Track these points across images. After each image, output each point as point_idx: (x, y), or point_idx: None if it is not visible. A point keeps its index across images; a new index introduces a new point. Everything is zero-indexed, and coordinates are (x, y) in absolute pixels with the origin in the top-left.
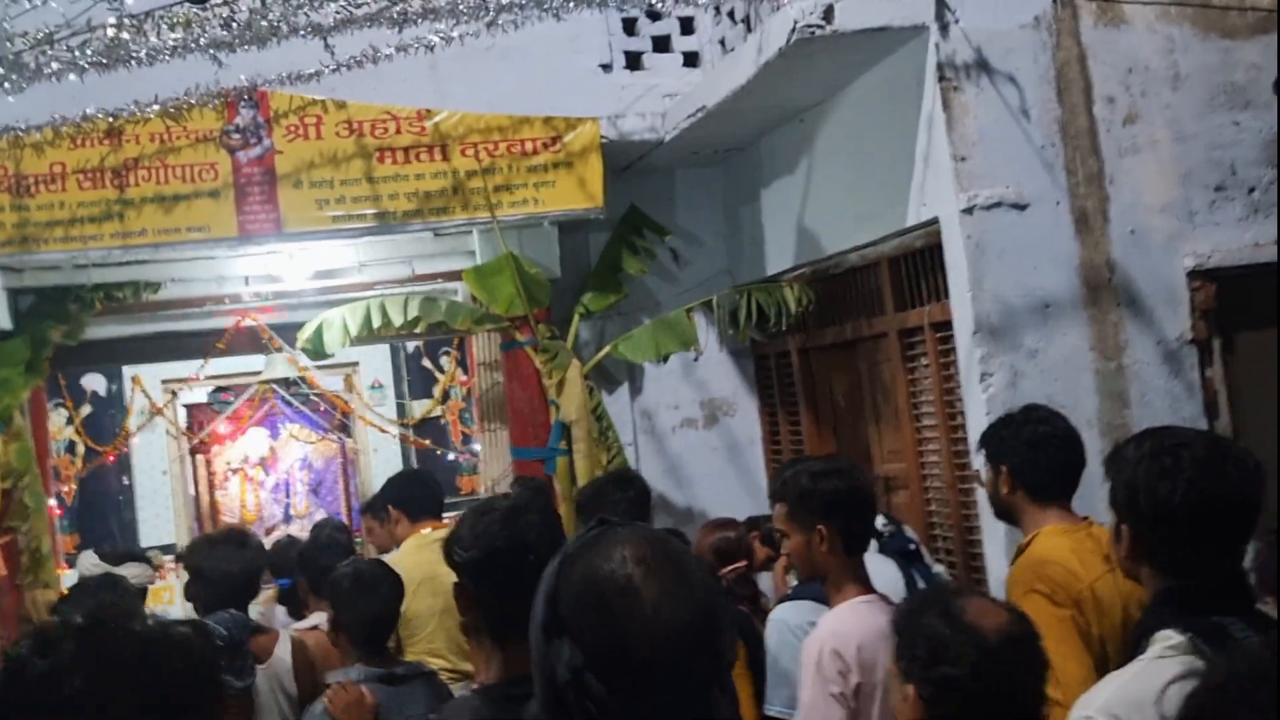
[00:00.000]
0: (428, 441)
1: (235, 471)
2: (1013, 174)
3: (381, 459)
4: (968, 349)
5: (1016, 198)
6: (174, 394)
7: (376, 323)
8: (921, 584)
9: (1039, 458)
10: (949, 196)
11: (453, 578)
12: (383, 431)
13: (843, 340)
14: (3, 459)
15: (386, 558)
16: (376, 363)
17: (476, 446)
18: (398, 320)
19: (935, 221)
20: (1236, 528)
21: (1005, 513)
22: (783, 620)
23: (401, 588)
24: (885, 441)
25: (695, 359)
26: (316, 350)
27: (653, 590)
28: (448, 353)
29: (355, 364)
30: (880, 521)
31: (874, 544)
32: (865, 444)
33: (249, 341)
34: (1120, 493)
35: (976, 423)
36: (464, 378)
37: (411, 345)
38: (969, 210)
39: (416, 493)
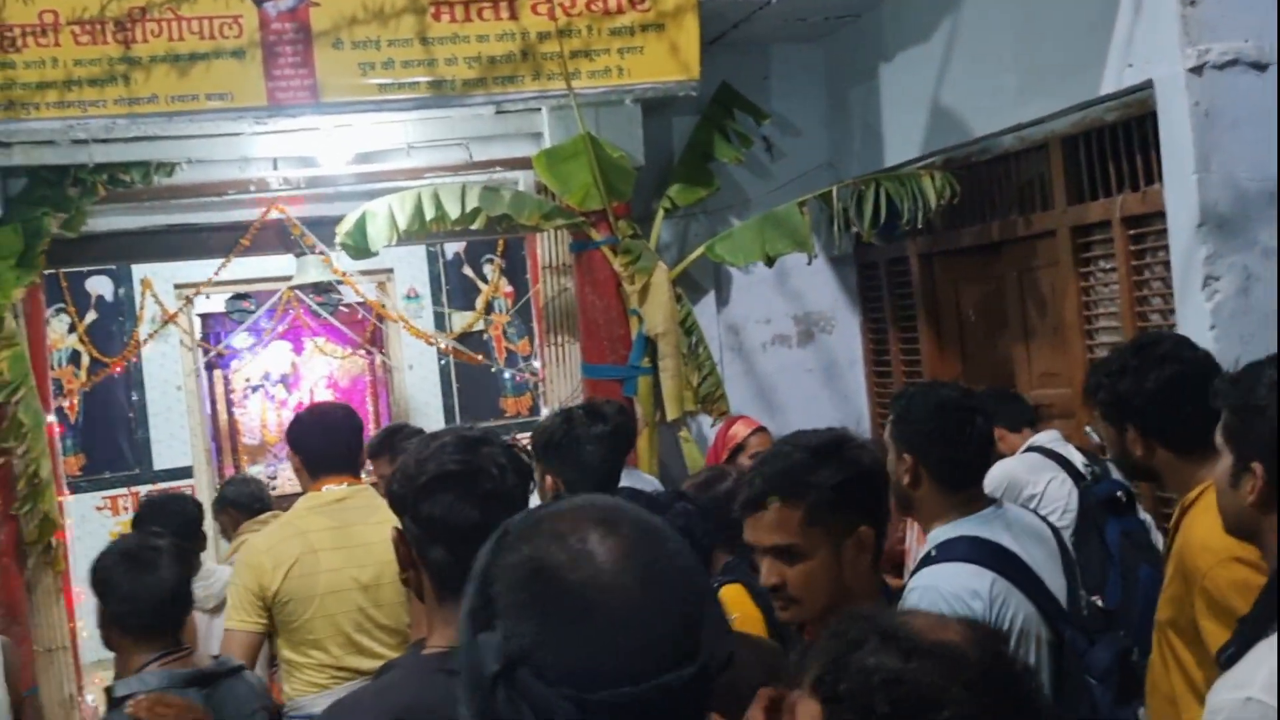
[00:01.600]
0: (480, 357)
1: (255, 389)
2: (1254, 25)
3: (417, 376)
4: (1187, 246)
5: (1257, 55)
6: (189, 300)
7: (429, 215)
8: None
9: (1174, 406)
10: (1170, 53)
11: (357, 545)
12: (430, 343)
13: (984, 242)
14: None
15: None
16: (413, 270)
17: (536, 363)
18: (454, 212)
19: (1145, 87)
20: None
21: (1141, 472)
22: (933, 588)
23: (189, 564)
24: (1039, 361)
25: (809, 262)
26: (358, 247)
27: (614, 585)
28: (491, 260)
29: (389, 271)
30: (1080, 462)
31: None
32: (1006, 365)
33: (276, 238)
34: (1252, 429)
35: (1196, 337)
36: (508, 288)
37: (451, 251)
38: (1197, 70)
39: (315, 438)
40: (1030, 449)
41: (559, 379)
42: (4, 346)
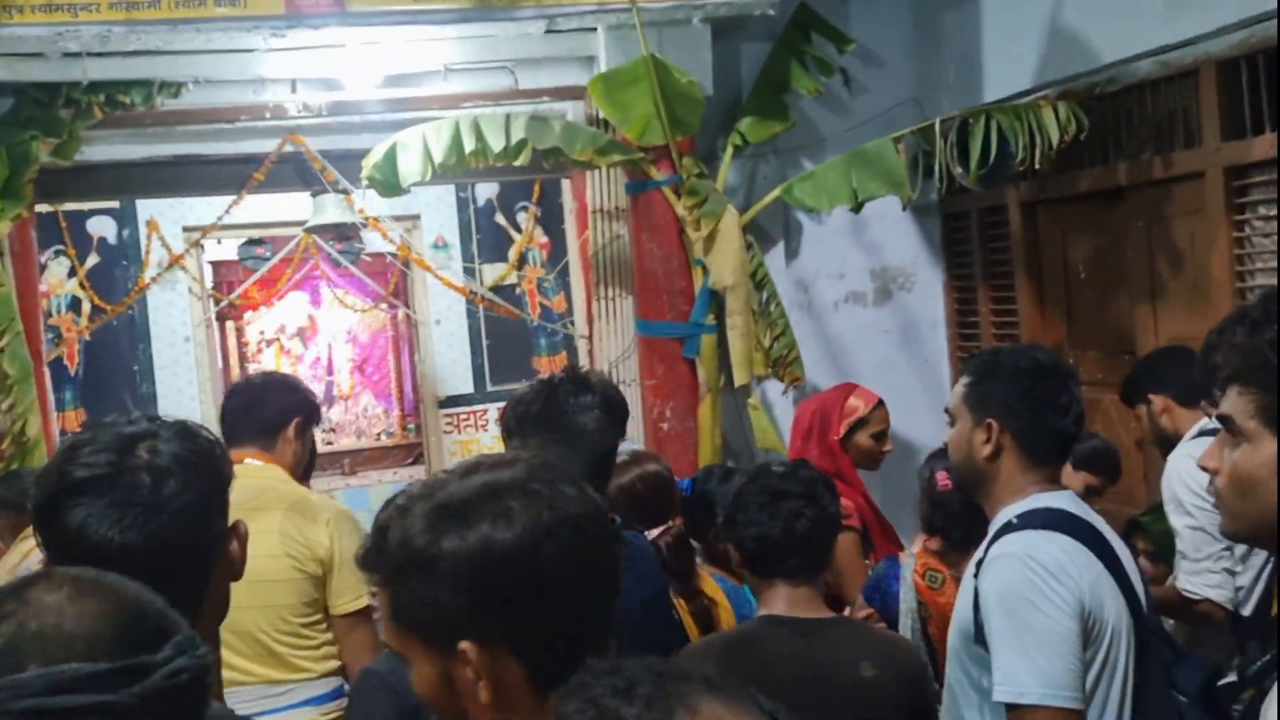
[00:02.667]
0: (517, 312)
1: (270, 343)
2: None
3: (445, 332)
4: None
5: None
6: (198, 244)
7: (469, 147)
8: None
9: None
10: None
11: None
12: (467, 295)
13: (1106, 188)
14: None
15: None
16: (441, 217)
17: (576, 320)
18: (497, 145)
19: None
20: None
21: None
22: (1020, 556)
23: None
24: (1169, 324)
25: (904, 207)
26: (387, 183)
27: None
28: (526, 207)
29: (416, 217)
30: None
31: None
32: (1123, 328)
33: (294, 174)
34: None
35: None
36: (544, 239)
37: (483, 197)
38: None
39: (231, 407)
40: (1204, 433)
41: (608, 337)
42: None
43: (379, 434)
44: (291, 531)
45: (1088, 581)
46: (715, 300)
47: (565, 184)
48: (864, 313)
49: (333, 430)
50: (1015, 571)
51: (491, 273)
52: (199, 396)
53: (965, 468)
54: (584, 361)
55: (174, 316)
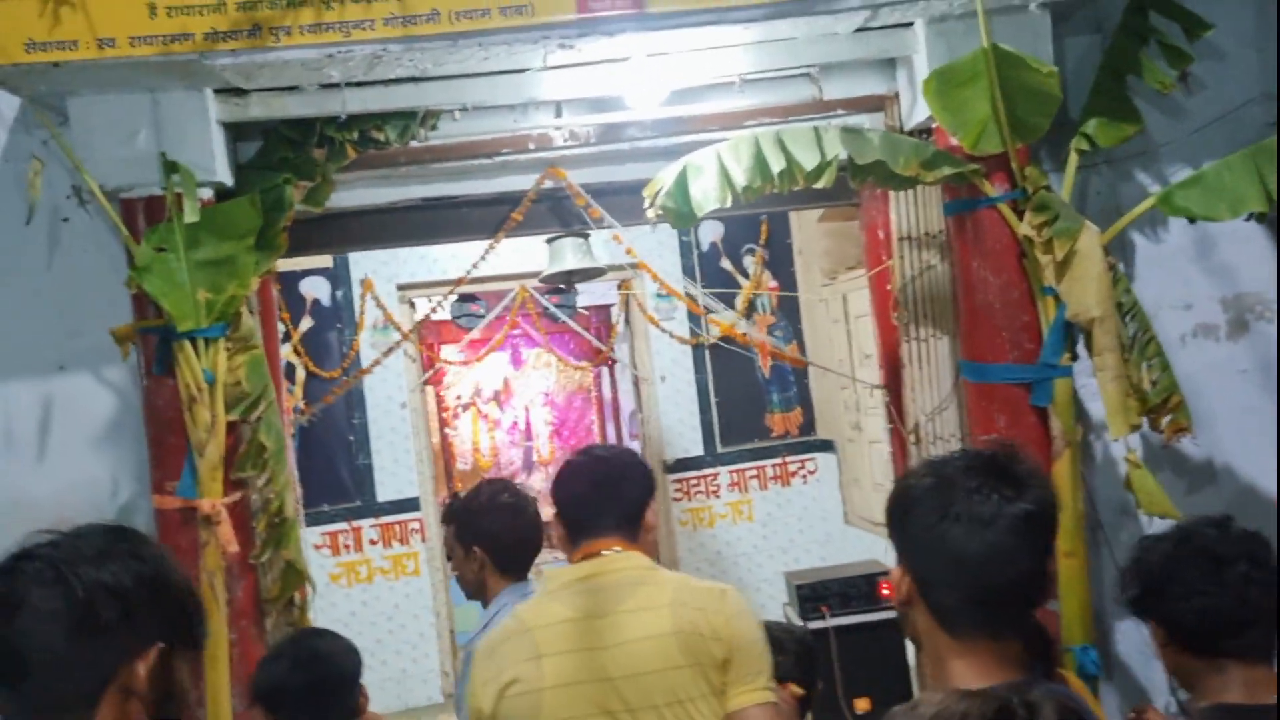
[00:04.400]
0: (804, 360)
1: (466, 407)
2: None
3: (670, 389)
4: None
5: None
6: (411, 304)
7: (775, 166)
8: None
9: None
10: None
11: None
12: (743, 341)
13: None
14: (230, 376)
15: None
16: (665, 263)
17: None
18: (809, 162)
19: None
20: None
21: None
22: None
23: None
24: None
25: (1261, 219)
26: (679, 212)
27: None
28: (753, 250)
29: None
30: None
31: None
32: None
33: (550, 213)
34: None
35: None
36: (773, 283)
37: (707, 241)
38: None
39: (582, 491)
40: None
41: (920, 385)
42: (240, 349)
43: None
44: (684, 613)
45: None
46: (1070, 336)
47: (794, 224)
48: (1216, 348)
49: (535, 499)
50: None
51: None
52: (416, 467)
53: None
54: (879, 418)
55: (389, 381)
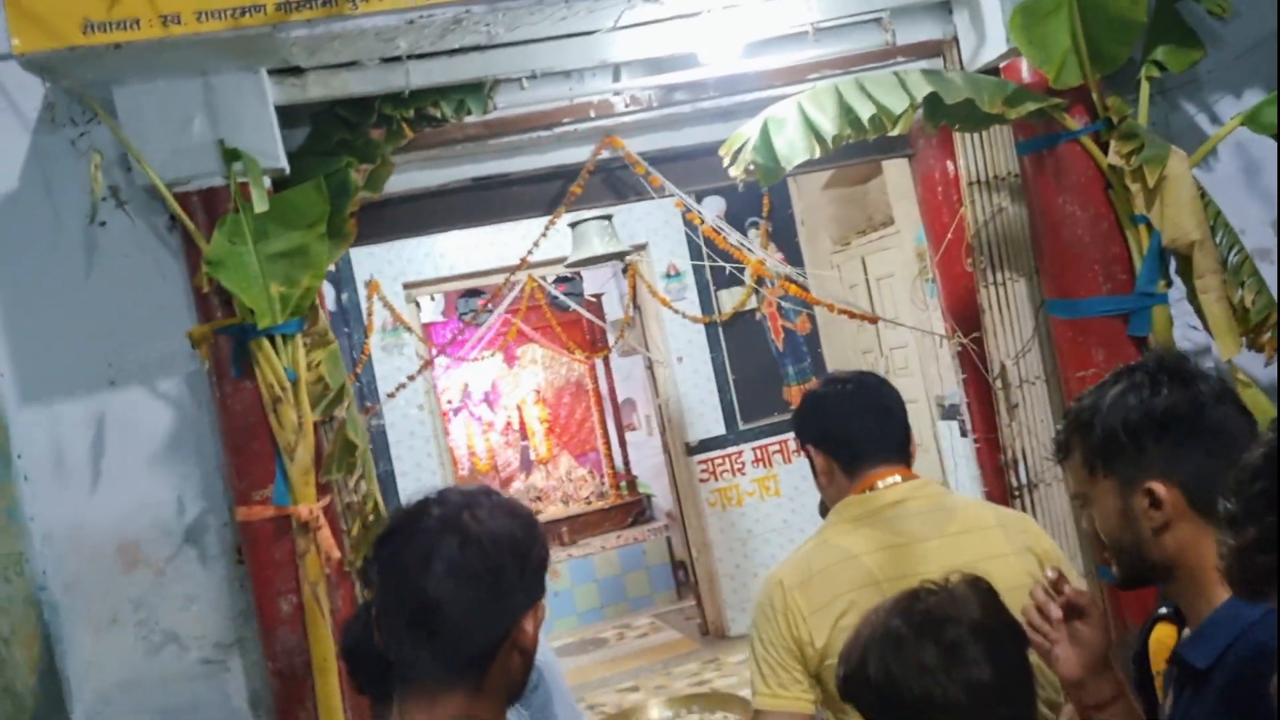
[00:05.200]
0: (877, 317)
1: (458, 411)
2: None
3: (687, 370)
4: None
5: None
6: (416, 303)
7: (865, 112)
8: None
9: None
10: None
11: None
12: (808, 301)
13: None
14: (311, 373)
15: None
16: (670, 243)
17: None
18: (897, 106)
19: None
20: None
21: None
22: None
23: None
24: None
25: None
26: (766, 167)
27: None
28: (756, 223)
29: (643, 246)
30: None
31: None
32: None
33: (603, 185)
34: None
35: None
36: (778, 254)
37: (710, 217)
38: None
39: (859, 423)
40: None
41: (1000, 328)
42: (318, 344)
43: (588, 497)
44: (1015, 534)
45: None
46: (1164, 261)
47: (794, 194)
48: (1270, 271)
49: (538, 499)
50: None
51: (729, 298)
52: (439, 470)
53: None
54: (904, 379)
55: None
